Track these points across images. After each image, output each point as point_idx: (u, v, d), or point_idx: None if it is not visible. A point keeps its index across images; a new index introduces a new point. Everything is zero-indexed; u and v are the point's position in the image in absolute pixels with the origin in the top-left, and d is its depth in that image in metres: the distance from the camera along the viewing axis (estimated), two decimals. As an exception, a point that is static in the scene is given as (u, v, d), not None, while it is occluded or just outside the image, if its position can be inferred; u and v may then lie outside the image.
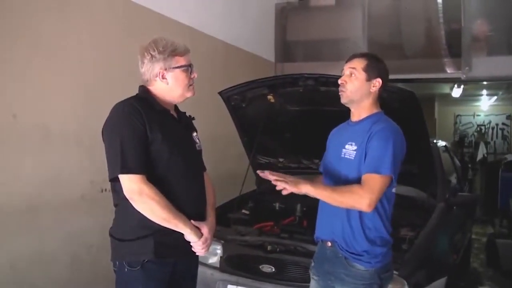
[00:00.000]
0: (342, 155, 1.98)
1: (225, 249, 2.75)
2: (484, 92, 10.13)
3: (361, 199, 1.83)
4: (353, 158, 1.94)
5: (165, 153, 1.80)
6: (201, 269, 2.13)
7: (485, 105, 12.20)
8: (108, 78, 3.26)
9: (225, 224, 3.01)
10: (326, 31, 6.23)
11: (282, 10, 6.43)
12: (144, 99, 1.85)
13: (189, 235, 1.83)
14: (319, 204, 2.05)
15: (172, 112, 1.95)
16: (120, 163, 1.71)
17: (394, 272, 2.15)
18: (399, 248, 2.46)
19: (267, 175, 1.89)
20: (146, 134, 1.76)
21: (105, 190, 3.05)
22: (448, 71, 5.76)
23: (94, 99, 3.12)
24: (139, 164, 1.73)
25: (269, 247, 2.63)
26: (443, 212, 3.08)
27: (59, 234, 2.90)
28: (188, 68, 1.89)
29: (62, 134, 2.95)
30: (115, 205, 1.87)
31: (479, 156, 9.23)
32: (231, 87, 3.14)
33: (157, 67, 1.84)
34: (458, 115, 12.81)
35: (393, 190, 1.96)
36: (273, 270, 2.60)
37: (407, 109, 2.60)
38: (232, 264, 2.74)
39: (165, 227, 1.77)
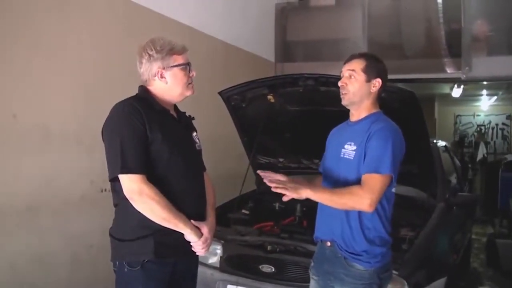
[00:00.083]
0: (342, 155, 1.98)
1: (225, 249, 2.75)
2: (484, 92, 10.13)
3: (361, 199, 1.83)
4: (352, 158, 1.93)
5: (165, 153, 1.80)
6: (201, 269, 2.13)
7: (485, 105, 12.20)
8: (108, 78, 3.26)
9: (225, 224, 3.01)
10: (326, 31, 6.23)
11: (282, 10, 6.43)
12: (144, 99, 1.85)
13: (189, 235, 1.83)
14: (319, 204, 2.05)
15: (172, 112, 1.95)
16: (120, 163, 1.71)
17: (394, 272, 2.15)
18: (399, 248, 2.45)
19: (269, 175, 1.88)
20: (146, 134, 1.76)
21: (105, 190, 3.05)
22: (448, 71, 5.76)
23: (94, 99, 3.12)
24: (139, 164, 1.73)
25: (269, 247, 2.63)
26: (443, 212, 3.08)
27: (59, 234, 2.90)
28: (186, 67, 1.89)
29: (62, 134, 2.95)
30: (115, 205, 1.87)
31: (479, 156, 9.23)
32: (231, 87, 3.14)
33: (155, 66, 1.84)
34: (458, 115, 12.81)
35: (393, 190, 1.96)
36: (273, 270, 2.60)
37: (407, 109, 2.60)
38: (232, 264, 2.74)
39: (165, 227, 1.77)
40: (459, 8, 5.64)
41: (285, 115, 3.30)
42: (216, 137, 4.23)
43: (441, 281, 2.66)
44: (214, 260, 2.77)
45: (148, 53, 1.83)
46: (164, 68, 1.84)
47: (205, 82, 3.83)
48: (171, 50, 1.84)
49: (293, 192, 1.85)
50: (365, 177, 1.87)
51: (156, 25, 3.75)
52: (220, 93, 3.18)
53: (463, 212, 3.74)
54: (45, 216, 2.82)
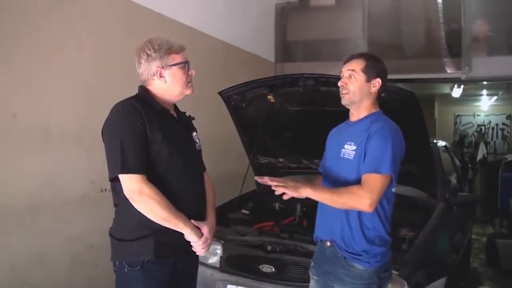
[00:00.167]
0: (342, 155, 1.98)
1: (225, 249, 2.75)
2: (484, 92, 10.13)
3: (361, 199, 1.83)
4: (352, 158, 1.94)
5: (165, 153, 1.80)
6: (201, 269, 2.13)
7: (485, 105, 12.20)
8: (108, 78, 3.26)
9: (225, 224, 3.01)
10: (326, 31, 6.23)
11: (282, 10, 6.43)
12: (144, 99, 1.85)
13: (189, 235, 1.83)
14: (318, 204, 2.05)
15: (172, 112, 1.95)
16: (120, 163, 1.71)
17: (394, 272, 2.15)
18: (399, 248, 2.46)
19: (266, 181, 1.88)
20: (146, 134, 1.76)
21: (105, 190, 3.05)
22: (448, 71, 5.76)
23: (94, 99, 3.12)
24: (139, 164, 1.73)
25: (269, 247, 2.63)
26: (443, 212, 3.08)
27: (59, 234, 2.90)
28: (185, 65, 1.89)
29: (62, 134, 2.95)
30: (115, 205, 1.87)
31: (479, 156, 9.23)
32: (231, 87, 3.14)
33: (154, 65, 1.84)
34: (458, 115, 12.81)
35: (393, 189, 1.96)
36: (273, 270, 2.60)
37: (407, 109, 2.60)
38: (232, 264, 2.74)
39: (165, 227, 1.77)
40: (459, 8, 5.64)
41: (285, 115, 3.30)
42: (216, 137, 4.23)
43: (441, 281, 2.66)
44: (214, 260, 2.77)
45: (146, 53, 1.83)
46: (163, 67, 1.84)
47: (205, 82, 3.84)
48: (169, 49, 1.85)
49: (293, 191, 1.85)
50: (365, 177, 1.87)
51: (156, 25, 3.75)
52: (220, 93, 3.17)
53: (463, 212, 3.74)
54: (45, 216, 2.82)
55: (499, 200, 6.82)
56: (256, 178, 1.96)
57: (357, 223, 1.91)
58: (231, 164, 4.31)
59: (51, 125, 2.88)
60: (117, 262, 1.82)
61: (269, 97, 3.15)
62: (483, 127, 12.37)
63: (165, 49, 1.84)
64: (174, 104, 1.98)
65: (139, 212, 1.74)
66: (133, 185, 1.72)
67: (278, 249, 2.62)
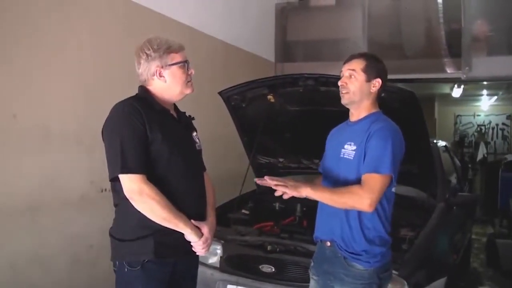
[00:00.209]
0: (341, 155, 1.98)
1: (225, 249, 2.75)
2: (484, 92, 10.13)
3: (361, 199, 1.83)
4: (352, 158, 1.94)
5: (165, 153, 1.80)
6: (201, 269, 2.13)
7: (485, 105, 12.20)
8: (108, 78, 3.26)
9: (225, 224, 3.01)
10: (326, 31, 6.23)
11: (282, 10, 6.43)
12: (144, 99, 1.85)
13: (190, 235, 1.83)
14: (318, 204, 2.05)
15: (172, 112, 1.95)
16: (120, 163, 1.71)
17: (394, 272, 2.15)
18: (399, 248, 2.46)
19: (266, 181, 1.88)
20: (146, 134, 1.76)
21: (105, 190, 3.05)
22: (448, 71, 5.76)
23: (94, 99, 3.12)
24: (139, 164, 1.73)
25: (269, 247, 2.63)
26: (443, 212, 3.08)
27: (59, 234, 2.90)
28: (184, 64, 1.89)
29: (62, 134, 2.95)
30: (115, 205, 1.87)
31: (479, 156, 9.23)
32: (231, 87, 3.14)
33: (153, 65, 1.84)
34: (458, 115, 12.81)
35: (393, 189, 1.96)
36: (273, 270, 2.60)
37: (407, 109, 2.60)
38: (232, 264, 2.74)
39: (165, 227, 1.77)
40: (459, 8, 5.64)
41: (285, 115, 3.30)
42: (216, 137, 4.23)
43: (441, 281, 2.66)
44: (214, 260, 2.77)
45: (145, 53, 1.83)
46: (162, 67, 1.84)
47: (205, 82, 3.84)
48: (168, 49, 1.85)
49: (293, 190, 1.85)
50: (365, 177, 1.87)
51: (156, 25, 3.75)
52: (220, 93, 3.17)
53: (463, 212, 3.74)
54: (45, 216, 2.82)
55: (499, 200, 6.82)
56: (256, 180, 1.96)
57: (357, 223, 1.91)
58: (231, 164, 4.31)
59: (51, 125, 2.87)
60: (117, 262, 1.82)
61: (269, 97, 3.15)
62: (483, 127, 12.37)
63: (164, 49, 1.84)
64: (174, 104, 1.99)
65: (139, 212, 1.74)
66: (133, 185, 1.72)
67: (278, 249, 2.62)
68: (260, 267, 2.63)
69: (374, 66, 1.99)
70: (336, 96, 2.04)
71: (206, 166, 2.10)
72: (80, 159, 3.06)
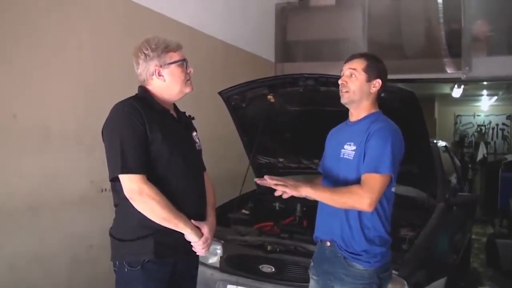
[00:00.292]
0: (341, 155, 1.98)
1: (225, 249, 2.75)
2: (484, 92, 10.12)
3: (361, 199, 1.83)
4: (352, 158, 1.94)
5: (165, 153, 1.80)
6: (201, 269, 2.13)
7: (485, 105, 12.19)
8: (108, 78, 3.26)
9: (225, 224, 3.01)
10: (326, 31, 6.23)
11: (282, 10, 6.43)
12: (144, 99, 1.85)
13: (190, 235, 1.83)
14: (318, 204, 2.05)
15: (172, 112, 1.95)
16: (120, 163, 1.71)
17: (394, 272, 2.15)
18: (399, 248, 2.46)
19: (266, 181, 1.88)
20: (146, 134, 1.76)
21: (105, 190, 3.05)
22: (448, 71, 5.76)
23: (94, 99, 3.12)
24: (139, 164, 1.73)
25: (269, 247, 2.63)
26: (443, 212, 3.08)
27: (59, 234, 2.90)
28: (183, 63, 1.89)
29: (62, 134, 2.95)
30: (115, 205, 1.87)
31: (479, 156, 9.23)
32: (231, 87, 3.14)
33: (152, 65, 1.84)
34: (458, 115, 12.80)
35: (393, 189, 1.96)
36: (273, 270, 2.60)
37: (407, 109, 2.60)
38: (232, 264, 2.74)
39: (165, 227, 1.77)
40: (459, 8, 5.64)
41: (285, 115, 3.30)
42: (216, 137, 4.23)
43: (441, 281, 2.66)
44: (214, 260, 2.77)
45: (144, 53, 1.83)
46: (161, 66, 1.84)
47: (205, 82, 3.84)
48: (166, 48, 1.85)
49: (293, 189, 1.85)
50: (365, 177, 1.87)
51: (156, 25, 3.75)
52: (220, 93, 3.17)
53: (463, 212, 3.74)
54: (45, 216, 2.82)
55: (499, 200, 6.83)
56: (256, 180, 1.96)
57: (357, 223, 1.91)
58: (231, 164, 4.31)
59: (51, 125, 2.87)
60: (117, 262, 1.82)
61: (269, 97, 3.15)
62: (483, 127, 12.36)
63: (162, 48, 1.84)
64: (174, 104, 1.99)
65: (139, 212, 1.74)
66: (133, 185, 1.72)
67: (278, 249, 2.62)
68: (260, 267, 2.63)
69: (375, 67, 1.99)
70: (336, 96, 2.04)
71: (206, 166, 2.10)
72: (80, 159, 3.06)
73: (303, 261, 2.44)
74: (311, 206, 2.22)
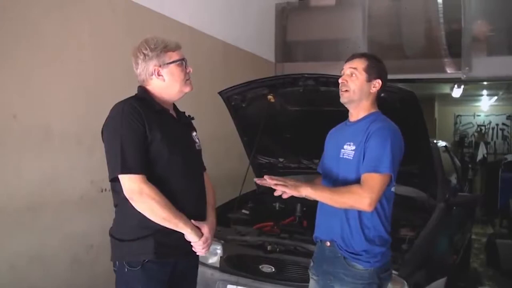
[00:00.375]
0: (341, 156, 1.98)
1: (225, 249, 2.75)
2: (484, 92, 10.13)
3: (361, 199, 1.83)
4: (351, 158, 1.94)
5: (165, 153, 1.80)
6: (201, 269, 2.13)
7: (485, 105, 12.20)
8: (108, 78, 3.26)
9: (225, 224, 3.01)
10: (326, 31, 6.24)
11: (282, 10, 6.44)
12: (143, 99, 1.85)
13: (190, 235, 1.83)
14: (318, 204, 2.05)
15: (172, 111, 1.95)
16: (120, 163, 1.71)
17: (394, 272, 2.15)
18: (399, 248, 2.45)
19: (266, 181, 1.88)
20: (145, 134, 1.76)
21: (105, 190, 3.05)
22: (448, 71, 5.76)
23: (94, 99, 3.12)
24: (139, 164, 1.73)
25: (269, 247, 2.63)
26: (443, 212, 3.07)
27: (59, 234, 2.90)
28: (182, 63, 1.89)
29: (62, 134, 2.95)
30: (115, 205, 1.87)
31: (479, 156, 9.24)
32: (231, 87, 3.14)
33: (151, 64, 1.84)
34: (458, 115, 12.81)
35: (392, 189, 1.97)
36: (273, 270, 2.60)
37: (407, 109, 2.60)
38: (232, 264, 2.74)
39: (166, 227, 1.77)
40: (459, 8, 5.64)
41: (285, 115, 3.30)
42: (216, 137, 4.23)
43: (441, 281, 2.66)
44: (214, 260, 2.77)
45: (143, 53, 1.84)
46: (160, 66, 1.85)
47: (205, 82, 3.85)
48: (165, 48, 1.85)
49: (293, 189, 1.85)
50: (365, 177, 1.87)
51: (156, 25, 3.75)
52: (220, 93, 3.18)
53: (463, 212, 3.74)
54: (45, 216, 2.82)
55: (499, 200, 6.83)
56: (256, 180, 1.96)
57: (357, 222, 1.91)
58: (231, 164, 4.31)
59: (51, 125, 2.87)
60: (117, 262, 1.82)
61: (269, 97, 3.15)
62: (483, 127, 12.37)
63: (161, 48, 1.84)
64: (174, 104, 1.99)
65: (139, 212, 1.74)
66: (133, 185, 1.72)
67: (278, 249, 2.62)
68: (260, 267, 2.63)
69: (375, 67, 2.00)
70: (336, 96, 2.04)
71: (206, 166, 2.10)
72: (80, 159, 3.06)
73: (303, 261, 2.44)
74: (311, 206, 2.22)
